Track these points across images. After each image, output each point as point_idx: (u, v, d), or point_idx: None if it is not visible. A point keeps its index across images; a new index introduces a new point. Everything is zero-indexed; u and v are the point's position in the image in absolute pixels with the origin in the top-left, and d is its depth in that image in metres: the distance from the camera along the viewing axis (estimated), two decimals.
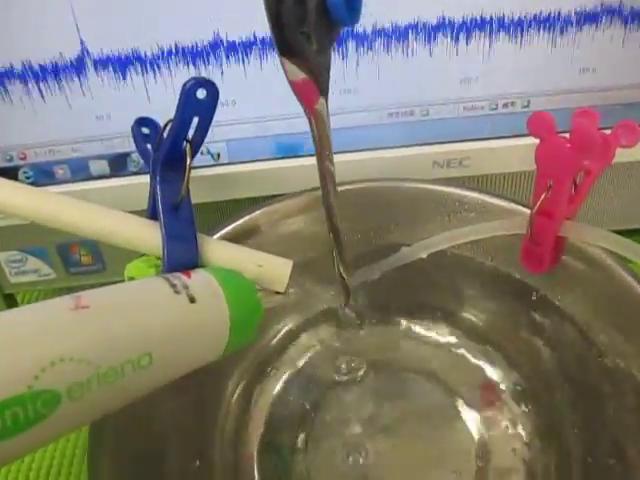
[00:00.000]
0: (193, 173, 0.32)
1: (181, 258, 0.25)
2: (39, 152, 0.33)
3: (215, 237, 0.29)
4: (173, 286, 0.21)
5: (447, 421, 0.30)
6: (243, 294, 0.23)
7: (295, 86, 0.19)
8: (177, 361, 0.20)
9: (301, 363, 0.33)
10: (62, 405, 0.16)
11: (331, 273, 0.29)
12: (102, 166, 0.34)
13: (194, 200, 0.31)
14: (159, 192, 0.26)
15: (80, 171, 0.34)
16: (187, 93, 0.24)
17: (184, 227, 0.26)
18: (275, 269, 0.27)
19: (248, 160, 0.34)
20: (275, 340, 0.34)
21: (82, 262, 0.37)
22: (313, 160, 0.32)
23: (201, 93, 0.25)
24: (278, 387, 0.32)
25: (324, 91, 0.20)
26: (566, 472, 0.28)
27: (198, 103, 0.25)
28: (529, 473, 0.28)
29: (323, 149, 0.22)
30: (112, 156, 0.33)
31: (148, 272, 0.26)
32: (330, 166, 0.23)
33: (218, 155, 0.34)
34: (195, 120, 0.25)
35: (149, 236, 0.26)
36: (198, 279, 0.22)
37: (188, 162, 0.26)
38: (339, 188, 0.30)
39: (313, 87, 0.20)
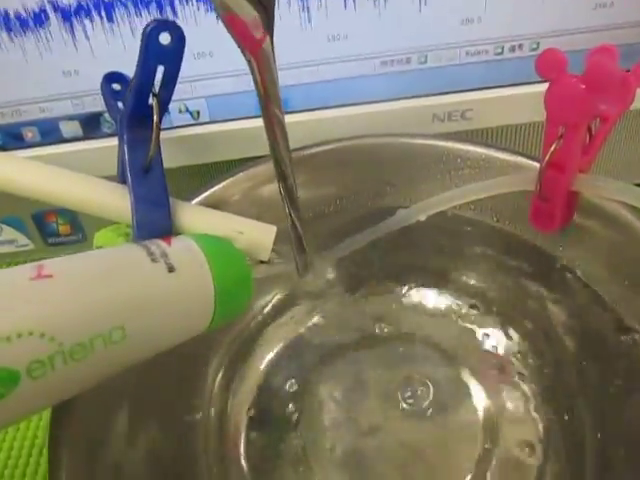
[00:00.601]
0: (172, 134, 0.31)
1: (153, 225, 0.23)
2: (6, 112, 0.31)
3: (192, 203, 0.27)
4: (150, 254, 0.20)
5: (451, 395, 0.29)
6: (230, 263, 0.22)
7: (230, 22, 0.16)
8: (154, 335, 0.19)
9: (291, 337, 0.31)
10: (21, 384, 0.15)
11: (320, 241, 0.27)
12: (74, 127, 0.31)
13: (173, 164, 0.30)
14: (127, 153, 0.24)
15: (50, 133, 0.31)
16: (148, 38, 0.22)
17: (155, 191, 0.24)
18: (257, 236, 0.25)
19: (230, 118, 0.31)
20: (262, 314, 0.32)
21: (60, 232, 0.36)
22: (301, 117, 0.31)
23: (165, 38, 0.22)
24: (266, 362, 0.31)
25: (269, 26, 0.17)
26: (578, 450, 0.26)
27: (162, 49, 0.22)
28: (539, 451, 0.27)
29: (270, 97, 0.19)
30: (83, 116, 0.31)
31: (117, 241, 0.25)
32: (279, 114, 0.20)
33: (198, 113, 0.31)
34: (161, 70, 0.23)
35: (119, 202, 0.24)
36: (179, 246, 0.21)
37: (155, 119, 0.24)
38: (328, 146, 0.29)
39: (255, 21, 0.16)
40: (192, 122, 0.31)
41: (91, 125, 0.31)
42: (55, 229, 0.36)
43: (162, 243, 0.21)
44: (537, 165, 0.24)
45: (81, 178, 0.24)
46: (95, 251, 0.21)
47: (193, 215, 0.25)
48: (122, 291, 0.18)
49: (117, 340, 0.17)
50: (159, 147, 0.24)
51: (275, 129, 0.20)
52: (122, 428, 0.23)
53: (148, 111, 0.24)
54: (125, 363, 0.18)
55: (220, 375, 0.30)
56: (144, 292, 0.18)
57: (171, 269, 0.19)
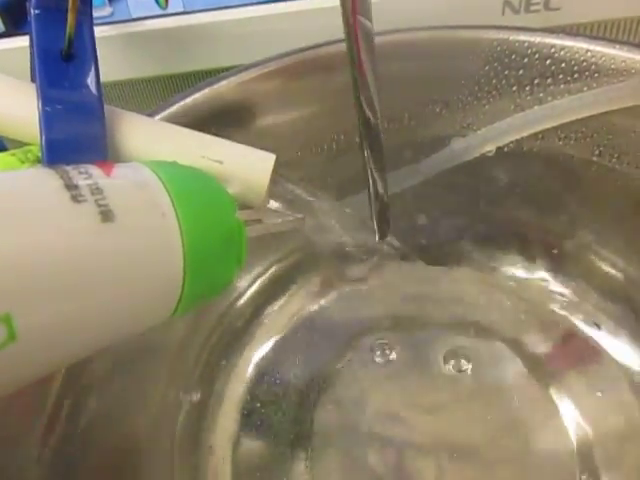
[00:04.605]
0: (128, 29, 0.26)
1: (75, 146, 0.16)
2: None
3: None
4: (71, 187, 0.13)
5: (527, 408, 0.22)
6: (212, 212, 0.15)
7: None
8: (70, 333, 0.13)
9: (292, 327, 0.25)
10: None
11: (340, 183, 0.22)
12: None
13: (129, 74, 0.25)
14: (34, 30, 0.17)
15: None
16: None
17: (80, 91, 0.17)
18: (245, 168, 0.18)
19: (211, 7, 0.26)
20: (250, 292, 0.25)
21: None
22: (312, 4, 0.24)
23: None
24: (256, 364, 0.24)
25: None
26: None
27: None
28: None
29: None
30: (3, 1, 0.25)
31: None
32: (365, 21, 0.16)
33: None
34: None
35: (24, 106, 0.17)
36: (125, 179, 0.14)
37: None
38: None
39: None
40: (158, 13, 0.26)
41: (15, 15, 0.26)
42: None
43: (95, 170, 0.14)
44: None
45: None
46: None
47: (143, 133, 0.17)
48: (6, 252, 0.11)
49: None
50: (91, 26, 0.17)
51: (360, 46, 0.16)
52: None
53: None
54: (15, 382, 0.12)
55: (195, 378, 0.22)
56: (53, 255, 0.12)
57: (107, 216, 0.13)
